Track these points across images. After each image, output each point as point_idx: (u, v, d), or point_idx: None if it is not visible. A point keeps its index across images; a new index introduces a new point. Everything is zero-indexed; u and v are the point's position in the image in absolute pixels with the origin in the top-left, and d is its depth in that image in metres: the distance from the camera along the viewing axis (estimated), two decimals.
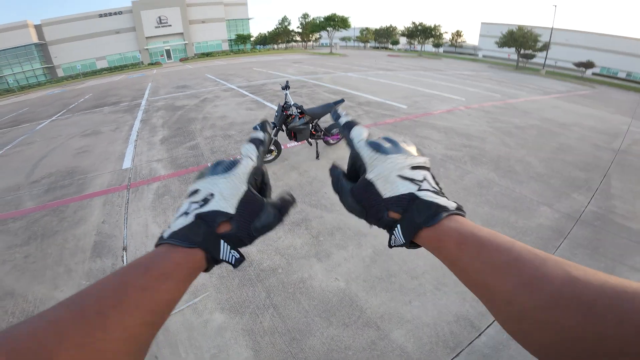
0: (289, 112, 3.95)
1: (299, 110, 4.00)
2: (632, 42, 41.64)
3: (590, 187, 4.17)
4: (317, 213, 3.25)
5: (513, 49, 34.76)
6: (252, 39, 55.06)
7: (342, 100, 4.52)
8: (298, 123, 3.97)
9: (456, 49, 60.18)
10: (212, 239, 0.35)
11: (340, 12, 40.77)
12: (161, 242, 0.35)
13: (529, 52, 33.96)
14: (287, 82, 4.28)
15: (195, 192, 0.38)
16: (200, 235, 0.35)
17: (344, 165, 0.45)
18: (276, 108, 4.03)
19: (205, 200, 0.37)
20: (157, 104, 9.76)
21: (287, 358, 1.89)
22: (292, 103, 4.00)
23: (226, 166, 0.40)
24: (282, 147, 4.46)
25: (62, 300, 0.27)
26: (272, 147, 4.17)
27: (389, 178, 0.37)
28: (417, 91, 10.78)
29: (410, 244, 0.36)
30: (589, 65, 33.66)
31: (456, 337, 2.01)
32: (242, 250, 0.39)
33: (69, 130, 7.56)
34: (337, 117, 0.47)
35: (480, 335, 2.02)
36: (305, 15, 52.23)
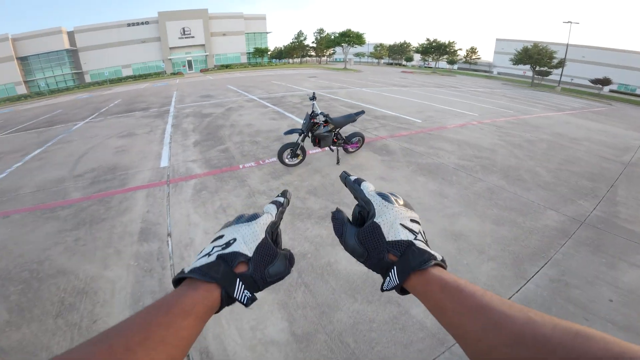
0: (315, 120, 4.35)
1: (324, 119, 4.41)
2: None
3: (597, 195, 4.33)
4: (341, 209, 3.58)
5: (528, 66, 34.76)
6: (269, 52, 56.55)
7: (362, 112, 4.92)
8: (323, 130, 4.38)
9: (470, 65, 60.39)
10: (229, 276, 0.39)
11: (354, 28, 41.58)
12: (182, 275, 0.39)
13: (545, 69, 33.87)
14: (314, 93, 4.75)
15: (220, 237, 0.44)
16: (219, 273, 0.39)
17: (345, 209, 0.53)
18: (298, 119, 4.47)
19: (228, 244, 0.42)
20: (184, 111, 10.38)
21: (317, 329, 2.15)
22: (320, 112, 4.42)
23: (248, 217, 0.46)
24: (306, 152, 4.86)
25: (90, 339, 0.29)
26: (299, 152, 4.57)
27: (393, 225, 0.43)
28: (431, 106, 11.12)
29: (401, 290, 0.42)
30: (605, 82, 33.25)
31: None
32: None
33: (104, 131, 8.15)
34: (346, 176, 0.56)
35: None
36: (320, 31, 53.48)
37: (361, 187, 0.51)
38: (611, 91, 38.50)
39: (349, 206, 3.68)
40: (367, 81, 21.34)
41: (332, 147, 4.77)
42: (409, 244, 0.42)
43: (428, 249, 0.42)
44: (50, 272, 2.71)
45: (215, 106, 10.93)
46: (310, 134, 4.49)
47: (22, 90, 41.15)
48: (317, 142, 4.51)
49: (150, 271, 2.71)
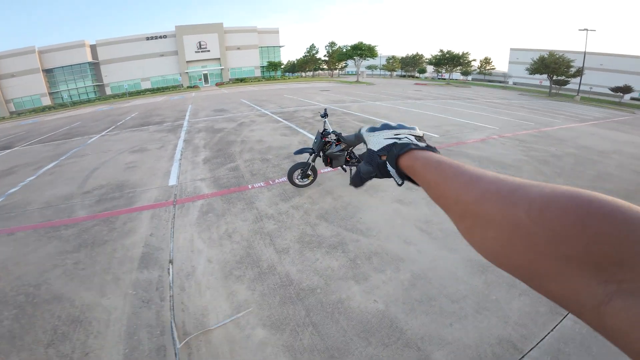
0: (327, 139, 4.14)
1: (335, 138, 4.19)
2: None
3: None
4: (354, 237, 3.33)
5: (545, 76, 33.92)
6: (282, 66, 57.42)
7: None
8: (335, 150, 4.15)
9: (485, 76, 59.64)
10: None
11: (366, 40, 41.46)
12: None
13: (562, 78, 32.96)
14: (325, 110, 4.53)
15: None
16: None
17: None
18: (309, 134, 4.26)
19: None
20: (197, 125, 10.41)
21: None
22: (331, 130, 4.20)
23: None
24: (317, 172, 4.64)
25: None
26: (310, 172, 4.36)
27: (378, 141, 0.55)
28: (448, 120, 10.80)
29: (405, 177, 0.50)
30: (626, 90, 32.04)
31: (498, 359, 1.99)
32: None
33: (118, 145, 8.20)
34: (359, 130, 0.63)
35: (523, 357, 2.01)
36: (332, 44, 54.00)
37: (361, 133, 0.61)
38: (632, 99, 37.06)
39: (362, 233, 3.44)
40: (380, 94, 21.21)
41: (344, 166, 4.54)
42: (393, 144, 0.52)
43: (409, 142, 0.51)
44: (46, 297, 2.61)
45: (228, 121, 10.95)
46: (321, 154, 4.27)
47: (47, 101, 42.88)
48: (329, 161, 4.28)
49: (148, 302, 2.55)
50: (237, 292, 2.60)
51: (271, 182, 4.89)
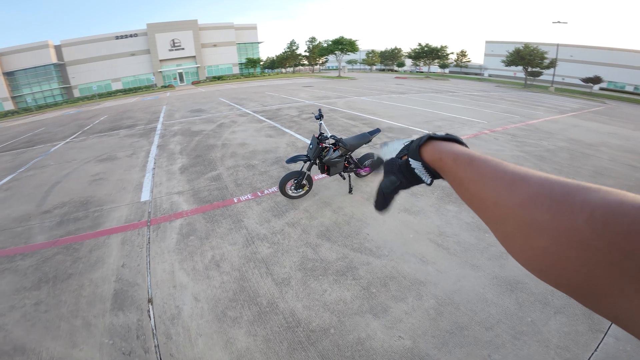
0: (324, 145, 3.67)
1: (333, 142, 3.73)
2: (637, 54, 41.53)
3: None
4: (363, 259, 2.89)
5: (519, 67, 34.83)
6: (261, 62, 56.28)
7: (378, 130, 4.21)
8: (333, 156, 3.68)
9: (462, 69, 60.81)
10: None
11: (345, 35, 41.16)
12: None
13: (537, 69, 33.97)
14: (320, 110, 3.99)
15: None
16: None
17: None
18: (297, 135, 3.77)
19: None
20: (173, 128, 9.65)
21: None
22: (330, 135, 3.73)
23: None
24: (313, 180, 4.17)
25: None
26: (305, 182, 3.87)
27: (394, 148, 0.54)
28: (436, 115, 10.60)
29: (434, 174, 0.45)
30: (596, 80, 33.52)
31: None
32: None
33: (84, 154, 7.41)
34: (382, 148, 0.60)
35: None
36: (312, 39, 53.50)
37: (380, 157, 0.58)
38: (601, 89, 38.84)
39: (372, 253, 3.03)
40: (363, 89, 20.91)
41: (343, 173, 4.09)
42: (409, 143, 0.50)
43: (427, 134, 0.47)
44: (5, 349, 2.18)
45: (206, 122, 10.23)
46: (317, 161, 3.79)
47: (9, 106, 39.99)
48: (326, 169, 3.82)
49: (130, 354, 2.09)
50: (236, 339, 2.14)
51: (260, 194, 4.36)
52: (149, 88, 41.12)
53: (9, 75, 40.89)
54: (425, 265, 2.78)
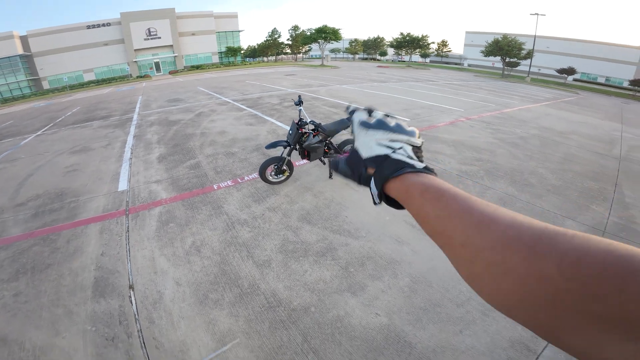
0: (304, 130, 3.71)
1: (313, 128, 3.77)
2: (610, 47, 43.41)
3: (606, 197, 4.18)
4: (342, 240, 2.99)
5: (498, 58, 35.66)
6: (242, 51, 54.98)
7: None
8: (313, 141, 3.73)
9: (442, 58, 61.58)
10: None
11: (329, 24, 40.98)
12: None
13: (514, 60, 34.89)
14: (300, 97, 4.02)
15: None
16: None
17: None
18: (278, 122, 3.79)
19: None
20: (149, 118, 9.38)
21: None
22: (309, 120, 3.77)
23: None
24: (294, 165, 4.22)
25: None
26: (285, 168, 3.91)
27: (369, 144, 0.46)
28: (415, 103, 10.78)
29: (388, 201, 0.43)
30: (570, 71, 34.77)
31: None
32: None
33: (56, 146, 7.12)
34: (353, 112, 0.53)
35: (538, 358, 1.93)
36: (295, 28, 52.66)
37: (353, 118, 0.51)
38: (575, 80, 40.40)
39: (351, 234, 3.13)
40: (346, 77, 20.90)
41: (323, 158, 4.15)
42: (385, 157, 0.44)
43: (405, 159, 0.43)
44: None
45: (185, 111, 10.00)
46: (298, 146, 3.83)
47: None
48: (306, 154, 3.87)
49: (114, 339, 2.11)
50: (218, 320, 2.19)
51: (240, 180, 4.37)
52: (123, 78, 39.44)
53: None
54: (400, 246, 2.91)
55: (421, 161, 0.45)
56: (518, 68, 38.10)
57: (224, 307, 2.29)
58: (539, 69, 45.12)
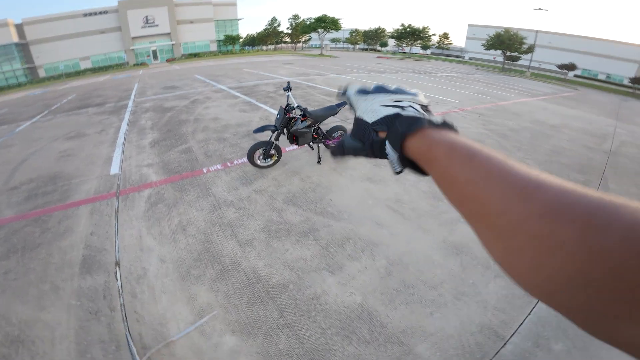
0: (291, 115, 3.76)
1: (301, 113, 3.82)
2: (611, 44, 43.12)
3: (590, 189, 4.21)
4: (325, 222, 3.08)
5: (499, 52, 35.42)
6: (240, 40, 54.38)
7: (344, 103, 4.32)
8: (301, 126, 3.78)
9: (443, 51, 61.08)
10: None
11: (330, 14, 40.59)
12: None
13: (515, 54, 34.65)
14: (289, 83, 4.06)
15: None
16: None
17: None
18: (272, 109, 3.84)
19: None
20: (144, 105, 9.37)
21: None
22: (296, 105, 3.82)
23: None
24: (282, 151, 4.27)
25: None
26: (273, 152, 3.98)
27: (372, 108, 0.42)
28: None
29: (409, 164, 0.38)
30: (571, 67, 34.55)
31: (482, 348, 1.94)
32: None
33: (51, 132, 7.13)
34: (344, 91, 0.49)
35: (505, 344, 1.97)
36: (295, 17, 52.03)
37: (347, 93, 0.48)
38: (575, 76, 40.17)
39: (333, 216, 3.21)
40: (344, 67, 20.78)
41: (311, 144, 4.21)
42: (396, 115, 0.40)
43: (419, 114, 0.39)
44: None
45: (179, 98, 9.98)
46: (286, 131, 3.89)
47: None
48: (295, 139, 3.93)
49: (97, 313, 2.19)
50: (198, 295, 2.28)
51: (229, 164, 4.44)
52: (120, 66, 39.09)
53: None
54: (380, 229, 2.99)
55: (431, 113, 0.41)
56: (519, 62, 37.84)
57: (204, 283, 2.38)
58: (540, 64, 44.88)
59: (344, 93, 0.49)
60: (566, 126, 7.87)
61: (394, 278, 2.43)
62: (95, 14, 41.93)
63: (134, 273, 2.52)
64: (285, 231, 2.94)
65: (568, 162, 5.15)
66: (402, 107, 0.41)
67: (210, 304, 2.21)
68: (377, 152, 0.42)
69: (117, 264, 2.63)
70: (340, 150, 0.48)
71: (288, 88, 3.99)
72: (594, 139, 6.92)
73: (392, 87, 0.45)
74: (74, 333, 2.04)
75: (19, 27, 39.39)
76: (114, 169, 4.52)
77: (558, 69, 36.84)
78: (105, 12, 42.05)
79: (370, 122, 0.42)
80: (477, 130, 6.46)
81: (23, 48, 40.15)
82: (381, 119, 0.41)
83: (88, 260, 2.69)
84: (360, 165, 4.35)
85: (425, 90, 11.80)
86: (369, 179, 3.96)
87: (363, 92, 0.45)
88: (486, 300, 2.27)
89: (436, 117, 0.38)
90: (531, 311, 2.21)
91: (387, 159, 0.41)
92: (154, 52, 44.98)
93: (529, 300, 2.28)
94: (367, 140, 0.42)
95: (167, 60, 41.56)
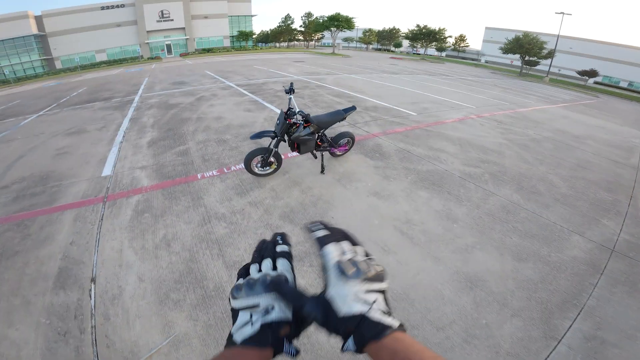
0: (292, 121, 3.45)
1: (302, 118, 3.50)
2: (635, 51, 41.45)
3: (619, 211, 3.82)
4: None
5: (516, 56, 34.41)
6: (254, 36, 54.40)
7: (353, 108, 3.99)
8: (303, 133, 3.47)
9: (458, 53, 59.91)
10: (278, 340, 0.42)
11: (343, 12, 40.10)
12: (233, 345, 0.42)
13: (534, 59, 33.61)
14: (292, 84, 3.71)
15: (256, 305, 0.44)
16: (269, 339, 0.41)
17: None
18: (277, 109, 3.52)
19: (267, 311, 0.43)
20: (150, 100, 9.22)
21: None
22: (298, 110, 3.50)
23: (276, 284, 0.45)
24: (282, 157, 3.97)
25: None
26: (272, 159, 3.68)
27: (345, 299, 0.42)
28: (425, 97, 10.36)
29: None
30: (592, 73, 33.29)
31: None
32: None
33: (53, 127, 7.02)
34: (311, 230, 0.50)
35: None
36: (308, 15, 51.80)
37: (323, 253, 0.47)
38: (596, 83, 38.83)
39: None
40: (356, 67, 20.39)
41: (314, 152, 3.89)
42: (362, 318, 0.41)
43: (382, 319, 0.41)
44: None
45: (186, 95, 9.80)
46: (287, 138, 3.58)
47: None
48: (296, 147, 3.62)
49: (65, 335, 1.99)
50: (175, 323, 2.03)
51: (226, 170, 4.17)
52: (134, 59, 39.46)
53: None
54: (386, 255, 2.67)
55: (388, 305, 0.45)
56: (537, 67, 36.67)
57: (183, 309, 2.12)
58: (559, 70, 43.47)
59: (320, 244, 0.48)
60: (590, 137, 7.39)
61: (397, 316, 2.09)
62: (113, 7, 42.55)
63: (109, 292, 2.28)
64: None
65: (594, 178, 4.73)
66: (370, 305, 0.42)
67: (188, 334, 1.95)
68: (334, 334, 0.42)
69: (93, 280, 2.40)
70: (298, 305, 0.45)
71: (290, 90, 3.63)
72: (621, 152, 6.46)
73: (371, 269, 0.45)
74: (40, 354, 1.88)
75: (38, 19, 40.28)
76: (107, 170, 4.30)
77: (577, 75, 35.60)
78: (122, 5, 42.64)
79: (340, 316, 0.41)
80: (495, 140, 6.05)
81: (41, 40, 41.10)
82: (350, 316, 0.41)
83: (64, 274, 2.47)
84: (366, 176, 4.02)
85: (440, 93, 11.38)
86: (376, 194, 3.62)
87: (341, 270, 0.43)
88: (499, 344, 1.97)
89: (394, 322, 0.41)
90: (549, 356, 1.93)
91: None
92: (168, 46, 45.43)
93: (547, 343, 2.00)
94: (331, 327, 0.42)
95: (181, 55, 41.86)
